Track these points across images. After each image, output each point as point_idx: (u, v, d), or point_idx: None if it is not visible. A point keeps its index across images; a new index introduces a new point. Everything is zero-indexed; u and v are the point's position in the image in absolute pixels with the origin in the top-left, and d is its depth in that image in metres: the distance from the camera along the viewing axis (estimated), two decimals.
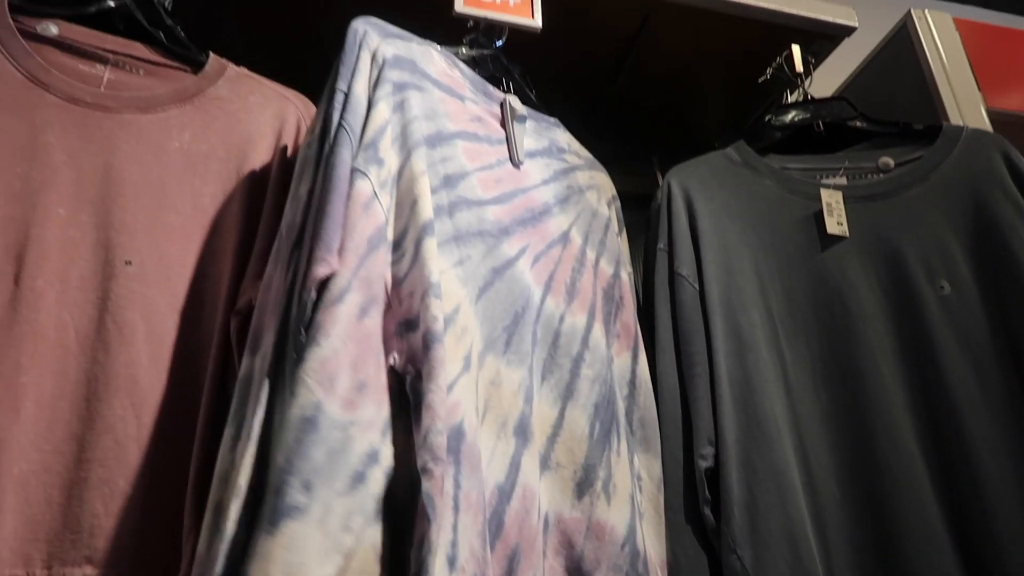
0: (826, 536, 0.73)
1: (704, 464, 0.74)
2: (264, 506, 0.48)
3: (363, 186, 0.60)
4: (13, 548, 0.56)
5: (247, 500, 0.50)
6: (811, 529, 0.72)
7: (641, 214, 1.02)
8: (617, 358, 0.80)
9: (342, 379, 0.52)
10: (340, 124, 0.63)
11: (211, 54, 0.81)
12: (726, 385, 0.78)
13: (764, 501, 0.71)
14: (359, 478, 0.51)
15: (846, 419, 0.79)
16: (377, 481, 0.52)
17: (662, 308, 0.85)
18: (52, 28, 0.75)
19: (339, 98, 0.65)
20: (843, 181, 0.95)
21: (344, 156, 0.61)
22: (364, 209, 0.59)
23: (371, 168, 0.61)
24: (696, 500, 0.73)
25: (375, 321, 0.57)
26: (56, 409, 0.61)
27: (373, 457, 0.52)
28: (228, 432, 0.55)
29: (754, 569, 0.69)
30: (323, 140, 0.64)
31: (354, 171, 0.61)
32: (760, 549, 0.70)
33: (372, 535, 0.51)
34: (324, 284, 0.55)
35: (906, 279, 0.85)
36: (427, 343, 0.56)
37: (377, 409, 0.54)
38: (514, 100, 0.86)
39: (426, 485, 0.51)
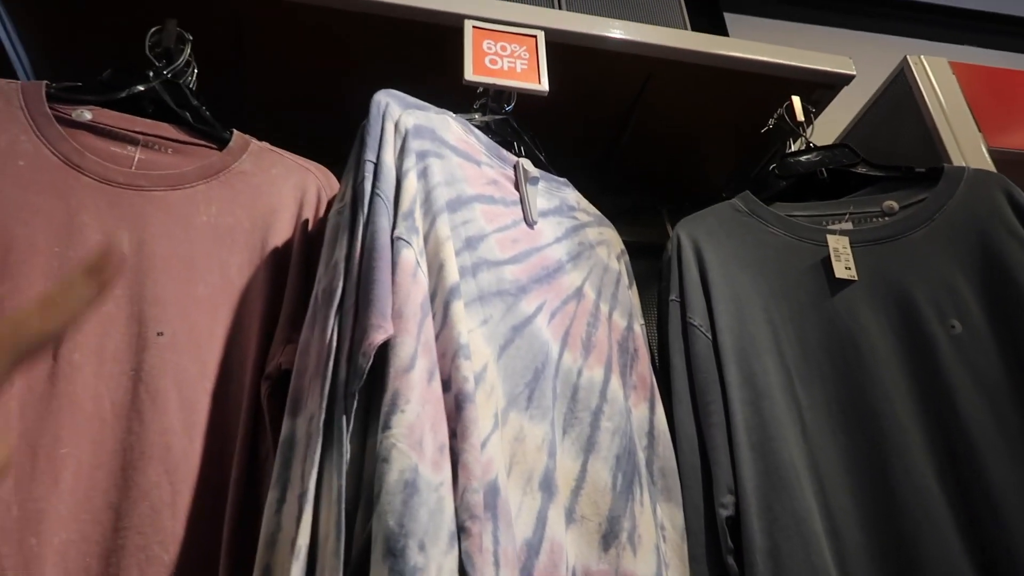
0: None
1: (725, 513, 0.75)
2: (384, 568, 0.49)
3: (408, 255, 0.63)
4: None
5: (308, 562, 0.52)
6: (835, 575, 0.72)
7: (652, 265, 1.05)
8: (635, 409, 0.82)
9: (427, 442, 0.55)
10: (374, 193, 0.66)
11: (235, 131, 0.86)
12: (743, 433, 0.79)
13: (787, 549, 0.72)
14: (454, 537, 0.53)
15: (865, 462, 0.80)
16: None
17: (677, 358, 0.87)
18: (86, 114, 0.79)
19: (369, 168, 0.69)
20: (849, 226, 0.97)
21: (383, 224, 0.64)
22: (412, 277, 0.62)
23: (412, 237, 0.65)
24: (719, 549, 0.74)
25: (438, 384, 0.60)
26: (94, 479, 0.63)
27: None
28: (272, 495, 0.57)
29: None
30: (356, 208, 0.67)
31: (398, 240, 0.64)
32: None
33: None
34: (381, 349, 0.57)
35: (917, 320, 0.86)
36: (459, 403, 0.58)
37: (452, 469, 0.57)
38: (527, 163, 0.89)
39: (464, 544, 0.53)
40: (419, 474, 0.53)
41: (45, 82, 0.79)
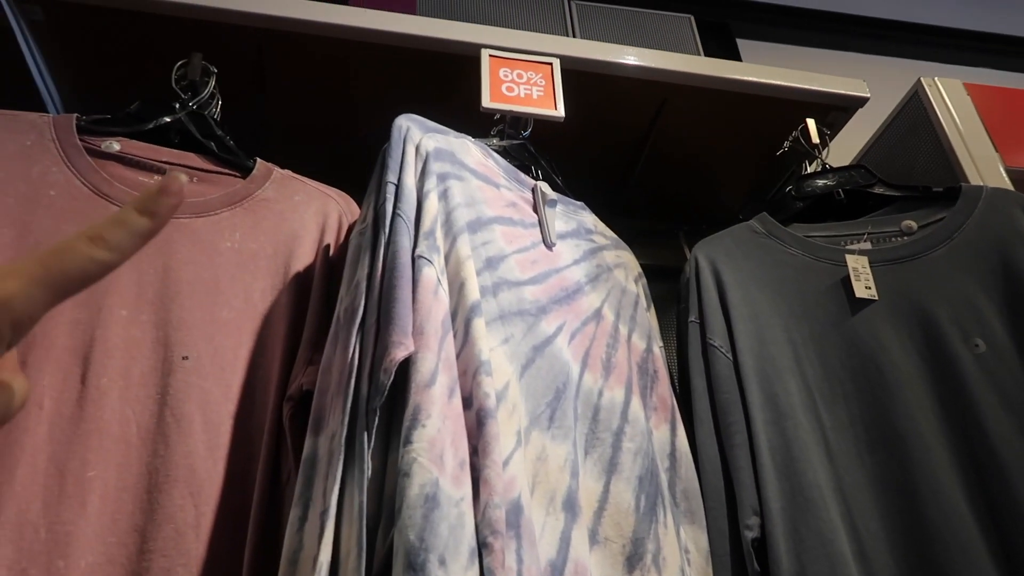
0: None
1: (750, 535, 0.74)
2: None
3: (430, 273, 0.64)
4: None
5: None
6: None
7: (670, 287, 1.05)
8: (656, 431, 0.81)
9: (448, 457, 0.55)
10: (395, 213, 0.67)
11: (258, 159, 0.87)
12: (767, 454, 0.78)
13: (814, 571, 0.71)
14: (475, 553, 0.53)
15: (892, 484, 0.78)
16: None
17: (698, 379, 0.87)
18: (114, 145, 0.82)
19: (390, 189, 0.70)
20: (867, 246, 0.97)
21: (404, 243, 0.65)
22: (433, 295, 0.63)
23: (433, 256, 0.66)
24: (745, 572, 0.73)
25: (459, 400, 0.60)
26: (120, 502, 0.64)
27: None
28: (295, 513, 0.57)
29: None
30: (377, 229, 0.68)
31: (419, 258, 0.65)
32: None
33: None
34: (403, 366, 0.58)
35: (939, 339, 0.85)
36: (480, 419, 0.59)
37: (473, 485, 0.56)
38: (544, 186, 0.90)
39: (487, 560, 0.53)
40: (440, 488, 0.53)
41: (76, 115, 0.81)
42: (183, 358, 0.71)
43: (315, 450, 0.60)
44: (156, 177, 0.82)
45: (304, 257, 0.82)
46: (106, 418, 0.66)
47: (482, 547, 0.54)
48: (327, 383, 0.63)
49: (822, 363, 0.87)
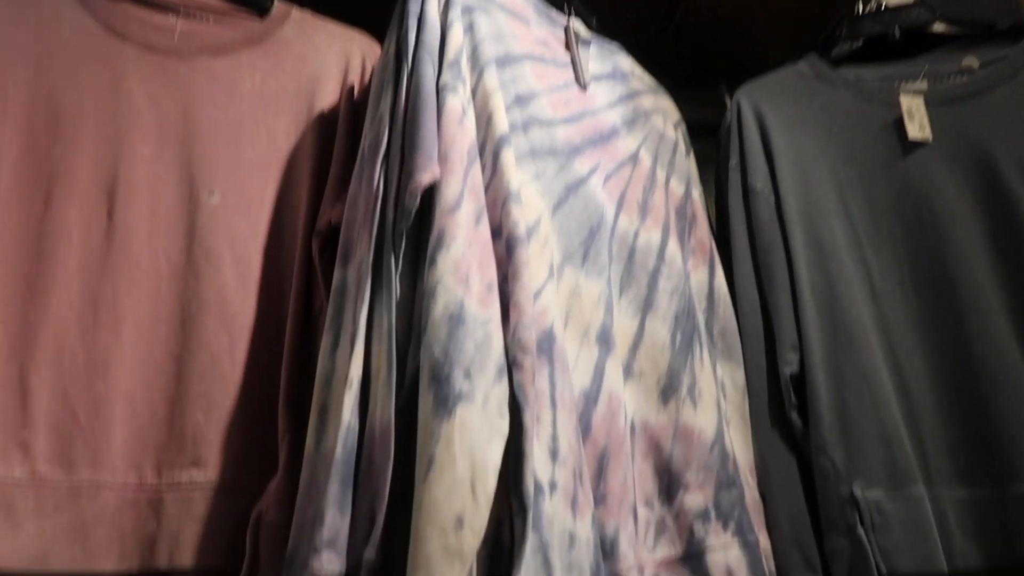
0: (922, 438, 0.71)
1: (789, 370, 0.73)
2: (429, 395, 0.50)
3: (455, 102, 0.62)
4: (124, 456, 0.60)
5: (359, 392, 0.53)
6: (905, 432, 0.70)
7: (711, 143, 1.00)
8: (694, 273, 0.79)
9: (474, 279, 0.54)
10: (418, 43, 0.65)
11: (275, 0, 0.83)
12: (808, 293, 0.76)
13: (854, 404, 0.70)
14: (502, 370, 0.53)
15: (939, 324, 0.76)
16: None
17: (738, 224, 0.84)
18: None
19: (412, 20, 0.66)
20: (924, 86, 0.90)
21: (428, 73, 0.62)
22: (459, 124, 0.60)
23: (459, 86, 0.63)
24: (782, 407, 0.72)
25: (486, 228, 0.58)
26: (154, 331, 0.64)
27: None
28: (326, 340, 0.57)
29: (847, 470, 0.67)
30: (400, 61, 0.65)
31: (444, 88, 0.62)
32: (853, 451, 0.68)
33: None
34: (428, 192, 0.57)
35: (997, 180, 0.81)
36: (510, 246, 0.57)
37: (503, 311, 0.56)
38: (579, 24, 0.85)
39: (517, 377, 0.53)
40: (465, 308, 0.52)
41: None
42: (209, 194, 0.70)
43: (344, 280, 0.60)
44: (171, 17, 0.78)
45: (327, 99, 0.79)
46: (135, 251, 0.66)
47: (512, 365, 0.53)
48: (353, 216, 0.62)
49: (869, 205, 0.83)
